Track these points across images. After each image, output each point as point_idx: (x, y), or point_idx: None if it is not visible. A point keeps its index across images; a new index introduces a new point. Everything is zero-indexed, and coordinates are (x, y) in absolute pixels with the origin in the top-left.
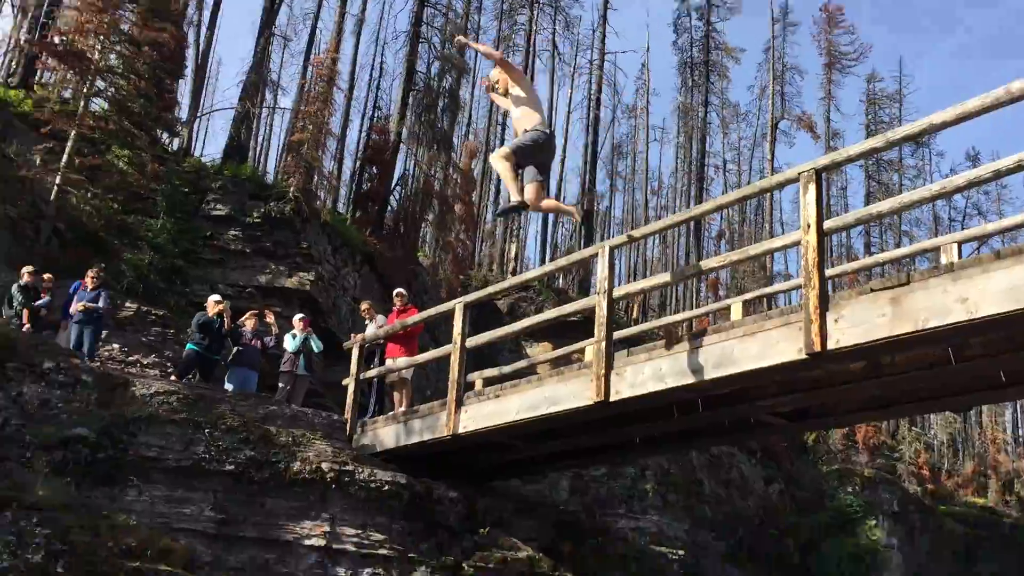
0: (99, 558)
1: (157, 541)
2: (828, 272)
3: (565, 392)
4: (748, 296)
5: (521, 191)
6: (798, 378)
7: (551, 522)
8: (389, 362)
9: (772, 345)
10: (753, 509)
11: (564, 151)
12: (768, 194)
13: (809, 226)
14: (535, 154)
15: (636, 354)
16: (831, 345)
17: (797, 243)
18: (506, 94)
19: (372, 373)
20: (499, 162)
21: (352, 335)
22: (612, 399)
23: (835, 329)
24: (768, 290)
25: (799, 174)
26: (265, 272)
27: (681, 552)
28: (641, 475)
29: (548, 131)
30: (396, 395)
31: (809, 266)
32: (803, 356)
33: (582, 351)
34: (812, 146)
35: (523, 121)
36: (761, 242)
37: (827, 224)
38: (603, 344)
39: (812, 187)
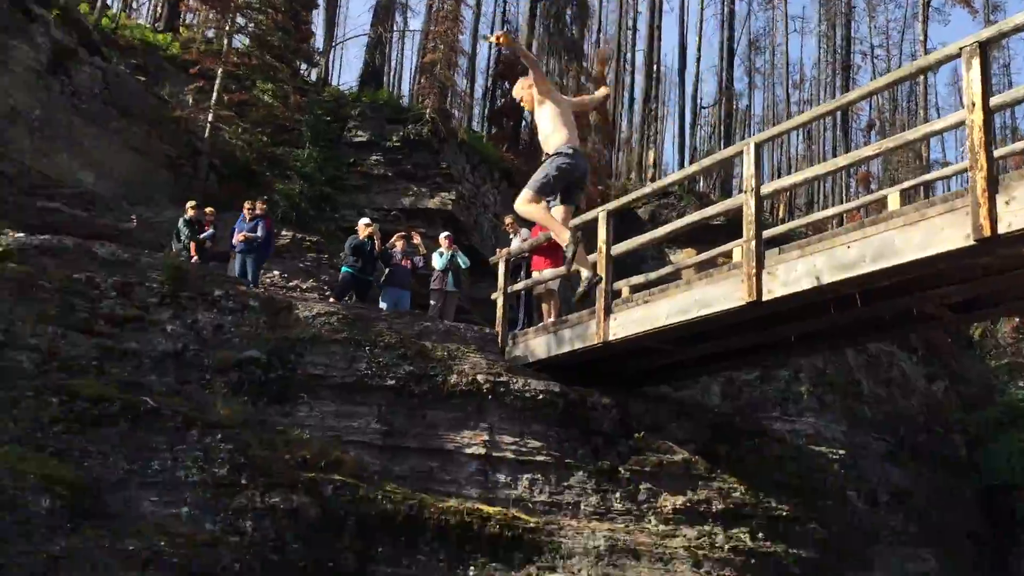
0: (277, 470)
1: (329, 453)
2: (995, 153)
3: (715, 294)
4: (906, 185)
5: (569, 236)
6: (965, 266)
7: (706, 424)
8: (535, 274)
9: (936, 232)
10: (916, 408)
11: (699, 50)
12: (922, 77)
13: (974, 104)
14: (559, 184)
15: (788, 251)
16: (1002, 229)
17: (960, 124)
18: (535, 108)
19: (519, 286)
20: (527, 208)
21: (497, 250)
22: (764, 299)
23: (1006, 212)
24: (927, 177)
25: (960, 49)
26: (408, 194)
27: (841, 452)
28: (795, 377)
29: (572, 150)
30: (544, 306)
31: (975, 147)
32: (971, 242)
33: (728, 254)
34: (970, 22)
35: (549, 142)
36: (919, 127)
37: (994, 101)
38: (752, 243)
39: (976, 62)
